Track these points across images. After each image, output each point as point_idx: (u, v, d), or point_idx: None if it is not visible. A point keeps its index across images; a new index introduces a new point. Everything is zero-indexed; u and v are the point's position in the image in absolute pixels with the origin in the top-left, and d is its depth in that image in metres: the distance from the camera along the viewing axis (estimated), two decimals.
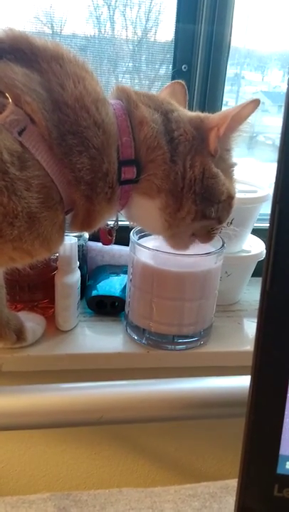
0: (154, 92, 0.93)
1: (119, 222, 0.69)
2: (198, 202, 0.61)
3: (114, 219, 0.67)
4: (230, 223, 0.84)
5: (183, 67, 0.97)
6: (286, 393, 0.37)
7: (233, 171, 0.66)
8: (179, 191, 0.60)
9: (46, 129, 0.51)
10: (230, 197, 0.64)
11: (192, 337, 0.78)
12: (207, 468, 0.96)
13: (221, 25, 0.96)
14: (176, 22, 0.98)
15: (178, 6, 0.96)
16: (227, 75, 1.02)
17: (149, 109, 0.59)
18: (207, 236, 0.67)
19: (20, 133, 0.49)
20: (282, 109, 0.32)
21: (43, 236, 0.53)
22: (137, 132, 0.58)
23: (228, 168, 0.65)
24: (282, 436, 0.38)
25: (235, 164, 0.67)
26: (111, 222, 0.68)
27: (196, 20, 0.96)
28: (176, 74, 0.96)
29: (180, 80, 0.71)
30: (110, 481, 0.96)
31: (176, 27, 0.98)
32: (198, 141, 0.61)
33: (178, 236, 0.66)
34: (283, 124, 0.32)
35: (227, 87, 1.07)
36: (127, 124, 0.57)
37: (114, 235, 0.69)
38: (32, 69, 0.52)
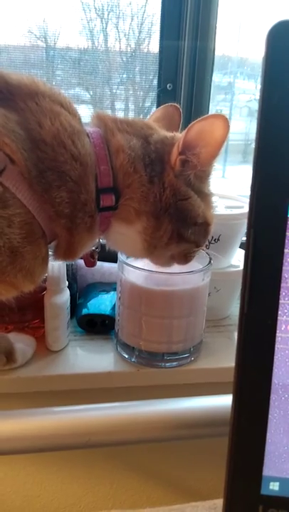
0: (148, 102, 0.93)
1: None
2: (175, 222, 0.61)
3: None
4: (218, 239, 0.85)
5: (168, 85, 0.98)
6: (267, 414, 0.37)
7: (210, 199, 0.66)
8: (158, 212, 0.60)
9: (25, 168, 0.52)
10: (207, 223, 0.64)
11: (182, 354, 0.78)
12: (202, 486, 0.96)
13: (204, 41, 0.97)
14: (160, 39, 0.99)
15: (161, 23, 0.98)
16: (220, 84, 1.03)
17: (126, 136, 0.60)
18: (184, 258, 0.67)
19: (0, 173, 0.50)
20: (254, 140, 0.33)
21: (26, 269, 0.54)
22: (114, 160, 0.58)
23: (204, 196, 0.64)
24: (265, 457, 0.38)
25: (212, 194, 0.67)
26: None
27: (180, 37, 0.97)
28: (161, 93, 0.97)
29: (175, 104, 0.72)
30: (105, 499, 0.95)
31: (160, 45, 0.99)
32: (166, 158, 0.61)
33: (157, 257, 0.67)
34: (255, 152, 0.33)
35: (221, 96, 1.08)
36: (104, 152, 0.58)
37: (97, 257, 0.69)
38: (10, 108, 0.53)
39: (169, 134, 0.63)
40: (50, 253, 0.60)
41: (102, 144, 0.58)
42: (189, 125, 0.58)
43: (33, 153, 0.52)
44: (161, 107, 0.72)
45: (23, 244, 0.52)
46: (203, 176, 0.63)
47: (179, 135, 0.61)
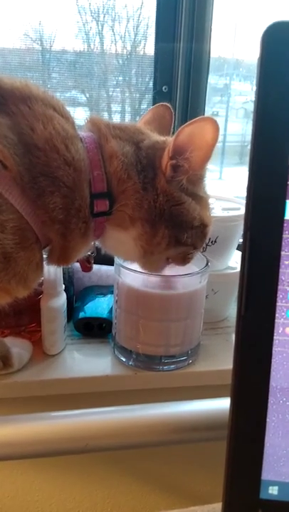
0: (144, 104, 0.93)
1: None
2: (171, 227, 0.61)
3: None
4: (215, 241, 0.84)
5: (163, 88, 0.98)
6: (265, 418, 0.37)
7: (207, 201, 0.66)
8: (153, 218, 0.60)
9: (18, 173, 0.51)
10: (204, 225, 0.64)
11: (180, 357, 0.78)
12: (201, 490, 0.95)
13: (199, 43, 0.97)
14: (155, 42, 0.99)
15: (157, 26, 0.98)
16: (216, 86, 1.03)
17: (119, 142, 0.59)
18: (183, 260, 0.66)
19: None
20: (249, 146, 0.32)
21: (20, 275, 0.54)
22: (108, 166, 0.58)
23: (200, 199, 0.64)
24: (264, 461, 0.38)
25: (209, 196, 0.66)
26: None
27: (175, 39, 0.97)
28: (156, 95, 0.97)
29: (165, 103, 0.71)
30: (103, 504, 0.95)
31: (155, 47, 0.99)
32: (157, 164, 0.60)
33: (153, 262, 0.66)
34: (250, 154, 0.33)
35: (217, 98, 1.08)
36: (98, 157, 0.57)
37: (93, 262, 0.69)
38: (2, 113, 0.52)
39: (160, 139, 0.62)
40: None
41: (95, 149, 0.58)
42: (178, 129, 0.57)
43: (26, 158, 0.52)
44: (152, 108, 0.71)
45: (16, 250, 0.52)
46: (196, 179, 0.62)
47: (170, 139, 0.60)
